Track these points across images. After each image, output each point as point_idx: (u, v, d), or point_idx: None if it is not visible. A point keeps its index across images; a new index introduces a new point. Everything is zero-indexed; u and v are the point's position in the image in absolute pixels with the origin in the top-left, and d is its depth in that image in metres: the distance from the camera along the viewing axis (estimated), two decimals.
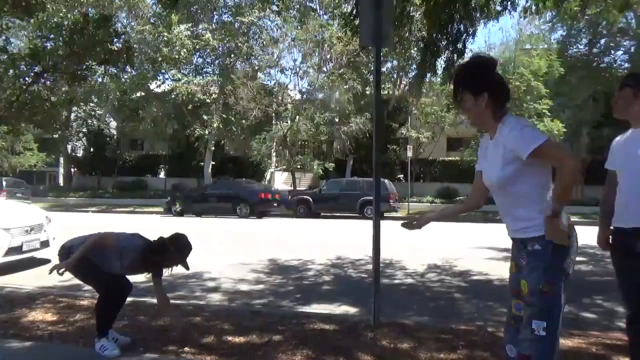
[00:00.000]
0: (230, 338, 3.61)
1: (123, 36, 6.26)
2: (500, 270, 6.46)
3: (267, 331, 3.77)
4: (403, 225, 2.52)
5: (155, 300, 4.95)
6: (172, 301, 4.93)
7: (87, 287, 5.78)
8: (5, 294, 4.83)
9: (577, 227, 2.15)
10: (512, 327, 2.14)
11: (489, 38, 49.47)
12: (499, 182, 2.10)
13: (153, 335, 3.69)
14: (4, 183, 20.55)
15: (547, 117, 19.51)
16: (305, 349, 3.37)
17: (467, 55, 5.86)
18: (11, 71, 5.08)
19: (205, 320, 4.09)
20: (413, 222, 2.49)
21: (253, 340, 3.56)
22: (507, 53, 22.52)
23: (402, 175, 24.44)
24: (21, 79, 5.23)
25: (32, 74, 5.13)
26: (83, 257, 3.18)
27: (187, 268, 3.41)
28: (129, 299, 4.85)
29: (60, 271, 3.16)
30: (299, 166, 23.66)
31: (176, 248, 3.32)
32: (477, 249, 8.57)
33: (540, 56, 20.12)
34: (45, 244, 7.08)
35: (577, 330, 3.90)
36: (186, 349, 3.38)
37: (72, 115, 27.55)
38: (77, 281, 6.04)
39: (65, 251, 3.33)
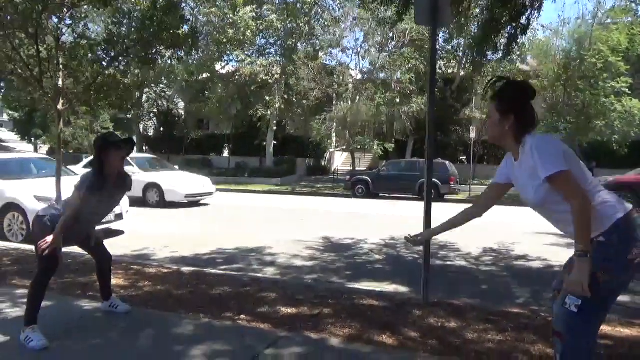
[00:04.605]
0: (282, 309, 3.81)
1: (190, 21, 6.60)
2: (559, 256, 6.24)
3: (318, 304, 3.93)
4: (406, 239, 2.66)
5: (214, 271, 5.30)
6: (230, 273, 5.28)
7: (155, 257, 6.28)
8: (84, 260, 5.34)
9: None
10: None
11: (563, 12, 46.35)
12: (537, 204, 2.12)
13: (212, 302, 3.97)
14: (85, 160, 22.39)
15: (627, 96, 18.14)
16: (353, 322, 3.51)
17: (531, 31, 5.57)
18: (90, 55, 5.53)
19: (259, 291, 4.32)
20: (417, 238, 2.65)
21: (304, 312, 3.74)
22: (583, 27, 21.02)
23: (464, 157, 23.76)
24: (98, 63, 5.69)
25: (109, 59, 5.57)
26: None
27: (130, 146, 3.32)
28: (190, 269, 5.24)
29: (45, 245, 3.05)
30: (358, 147, 23.59)
31: (101, 146, 3.20)
32: (537, 234, 8.26)
33: (620, 30, 18.61)
34: (119, 217, 7.70)
35: (638, 319, 3.74)
36: (242, 316, 3.62)
37: (144, 97, 29.01)
38: (146, 251, 6.60)
39: (39, 220, 3.25)
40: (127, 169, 13.32)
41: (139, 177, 12.61)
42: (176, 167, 16.84)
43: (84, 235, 3.50)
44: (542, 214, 2.21)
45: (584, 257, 1.89)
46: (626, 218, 1.98)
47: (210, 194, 13.66)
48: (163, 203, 12.68)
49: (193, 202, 13.16)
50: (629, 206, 2.04)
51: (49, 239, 3.04)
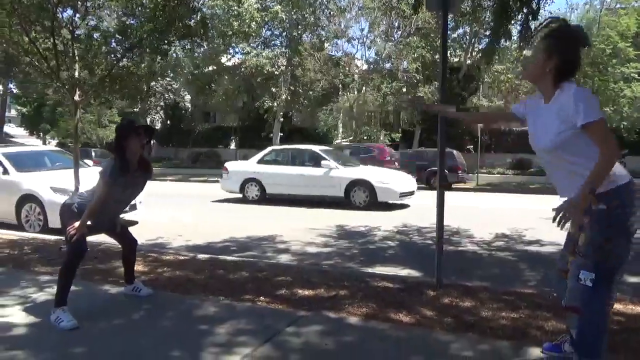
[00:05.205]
0: (299, 291, 3.90)
1: (200, 12, 6.64)
2: None
3: (334, 287, 4.02)
4: (405, 102, 2.68)
5: (229, 258, 5.40)
6: (244, 259, 5.37)
7: (172, 245, 6.39)
8: (104, 249, 5.45)
9: None
10: (565, 281, 2.21)
11: None
12: (551, 147, 2.15)
13: (230, 286, 4.07)
14: (94, 154, 22.68)
15: (636, 81, 18.00)
16: (369, 302, 3.59)
17: (542, 17, 5.58)
18: (104, 47, 5.61)
19: (276, 275, 4.41)
20: (420, 101, 2.66)
21: (321, 294, 3.83)
22: (592, 13, 20.83)
23: (471, 146, 23.71)
24: (112, 55, 5.77)
25: (122, 50, 5.64)
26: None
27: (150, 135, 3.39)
28: (206, 256, 5.34)
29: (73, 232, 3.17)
30: (365, 137, 23.64)
31: (122, 132, 3.30)
32: (550, 219, 8.34)
33: (629, 15, 18.43)
34: (133, 207, 7.81)
35: None
36: (261, 298, 3.72)
37: (151, 90, 29.13)
38: (162, 240, 6.72)
39: (67, 207, 3.37)
40: (324, 163, 10.97)
41: (339, 172, 10.64)
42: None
43: (110, 223, 3.62)
44: (545, 160, 2.26)
45: (589, 195, 1.96)
46: (627, 185, 2.08)
47: (413, 192, 11.23)
48: (374, 203, 10.25)
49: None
50: (630, 177, 2.13)
51: (77, 224, 3.15)
